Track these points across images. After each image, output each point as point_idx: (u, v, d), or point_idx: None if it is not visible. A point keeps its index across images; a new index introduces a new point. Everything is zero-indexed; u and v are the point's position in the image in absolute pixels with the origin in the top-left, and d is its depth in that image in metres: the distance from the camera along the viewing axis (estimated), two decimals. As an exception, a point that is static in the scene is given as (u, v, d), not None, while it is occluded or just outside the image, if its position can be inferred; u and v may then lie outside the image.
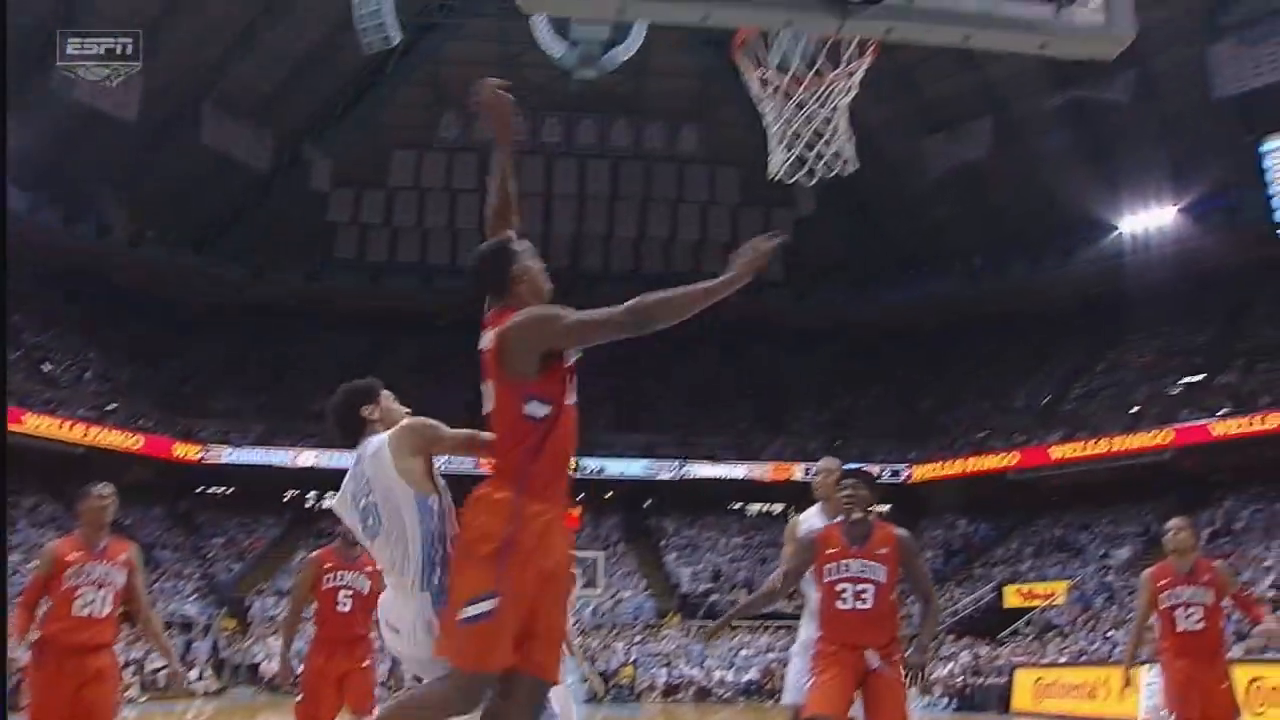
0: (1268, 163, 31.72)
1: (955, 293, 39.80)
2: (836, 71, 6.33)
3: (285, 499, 37.84)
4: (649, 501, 38.38)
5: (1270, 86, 29.14)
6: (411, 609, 3.58)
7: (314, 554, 7.17)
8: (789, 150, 6.33)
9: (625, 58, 32.31)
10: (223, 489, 38.08)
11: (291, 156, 37.05)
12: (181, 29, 30.52)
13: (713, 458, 37.22)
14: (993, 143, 34.00)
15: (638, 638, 29.53)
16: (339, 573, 6.83)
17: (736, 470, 37.04)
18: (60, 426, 31.44)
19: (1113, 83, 30.25)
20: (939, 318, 40.23)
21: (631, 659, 27.84)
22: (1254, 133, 31.65)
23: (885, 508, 25.55)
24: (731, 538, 36.32)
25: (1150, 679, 10.86)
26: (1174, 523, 7.03)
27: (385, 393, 3.97)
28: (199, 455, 35.51)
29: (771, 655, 26.86)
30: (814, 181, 6.39)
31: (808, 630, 5.84)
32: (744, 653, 28.12)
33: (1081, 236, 37.31)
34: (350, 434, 3.86)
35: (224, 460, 35.82)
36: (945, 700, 23.40)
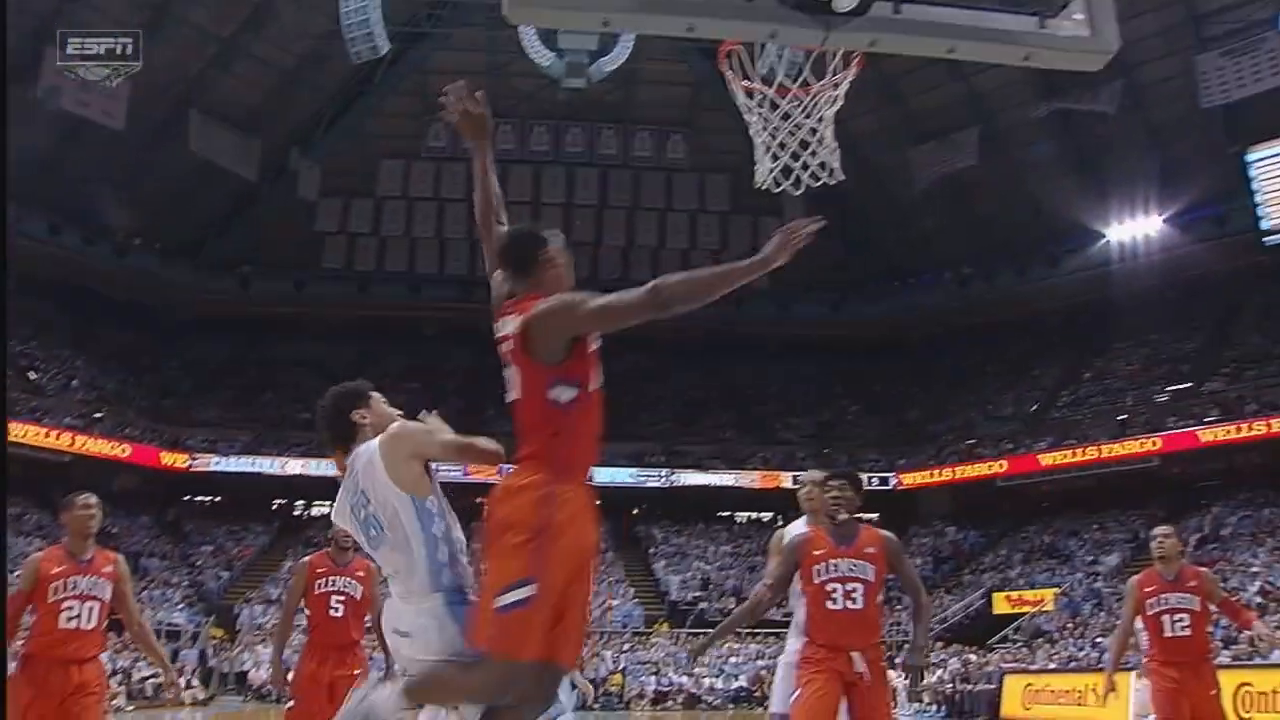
0: (1254, 172, 32.00)
1: (943, 302, 39.93)
2: (822, 82, 6.35)
3: (273, 507, 37.63)
4: (638, 509, 38.28)
5: (1256, 96, 29.41)
6: (422, 613, 3.51)
7: (306, 559, 7.19)
8: (775, 160, 6.34)
9: (613, 67, 32.38)
10: (210, 497, 37.88)
11: (279, 166, 36.98)
12: (169, 38, 30.47)
13: (701, 466, 37.19)
14: (980, 153, 34.16)
15: (626, 645, 29.48)
16: (331, 578, 6.83)
17: (725, 478, 36.99)
18: (47, 435, 31.39)
19: (1100, 93, 30.45)
20: (926, 327, 40.34)
21: (620, 666, 27.80)
22: (1240, 142, 31.91)
23: (874, 515, 25.54)
24: (720, 546, 36.29)
25: (1137, 686, 10.88)
26: (1160, 530, 7.12)
27: (376, 395, 3.84)
28: (187, 463, 35.36)
29: (760, 662, 26.80)
30: (800, 191, 6.40)
31: (794, 643, 5.80)
32: (733, 660, 28.08)
33: (1069, 246, 37.40)
34: (340, 439, 3.74)
35: (212, 468, 35.67)
36: (934, 707, 23.42)
